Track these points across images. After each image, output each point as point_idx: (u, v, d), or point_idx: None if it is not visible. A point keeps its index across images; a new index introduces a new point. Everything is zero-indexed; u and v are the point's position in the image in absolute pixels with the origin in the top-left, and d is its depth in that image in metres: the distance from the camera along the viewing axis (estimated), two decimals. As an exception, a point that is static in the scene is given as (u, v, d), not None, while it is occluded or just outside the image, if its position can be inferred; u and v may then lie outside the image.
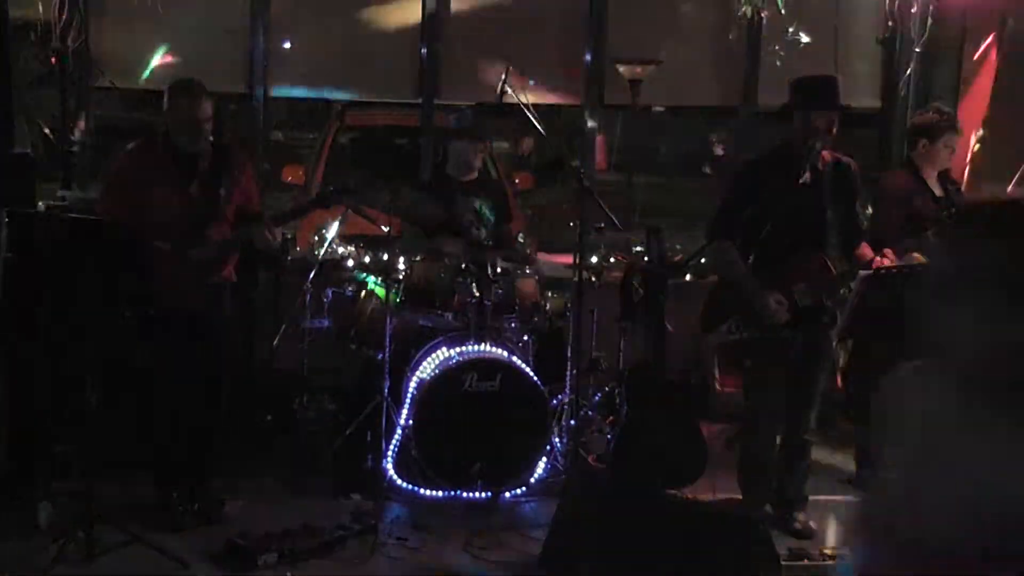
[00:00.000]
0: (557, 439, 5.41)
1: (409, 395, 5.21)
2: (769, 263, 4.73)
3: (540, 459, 5.24)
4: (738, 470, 5.10)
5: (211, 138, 4.80)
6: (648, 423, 5.26)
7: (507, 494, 5.17)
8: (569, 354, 5.50)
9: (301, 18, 6.75)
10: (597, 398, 5.92)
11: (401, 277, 5.40)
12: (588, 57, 6.90)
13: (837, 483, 5.58)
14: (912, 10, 6.63)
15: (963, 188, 6.08)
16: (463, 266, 5.34)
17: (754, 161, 4.98)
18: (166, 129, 4.74)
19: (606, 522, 4.24)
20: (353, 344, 5.55)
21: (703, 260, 5.40)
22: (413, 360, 5.40)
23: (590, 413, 5.83)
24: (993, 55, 6.55)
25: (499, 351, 5.26)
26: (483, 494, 5.11)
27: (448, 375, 5.13)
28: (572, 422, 5.47)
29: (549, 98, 6.99)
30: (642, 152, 7.13)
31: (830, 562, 4.40)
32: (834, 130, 4.66)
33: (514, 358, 5.26)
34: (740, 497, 5.08)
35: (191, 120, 4.65)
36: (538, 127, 5.36)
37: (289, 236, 5.91)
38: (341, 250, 5.55)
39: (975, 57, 6.64)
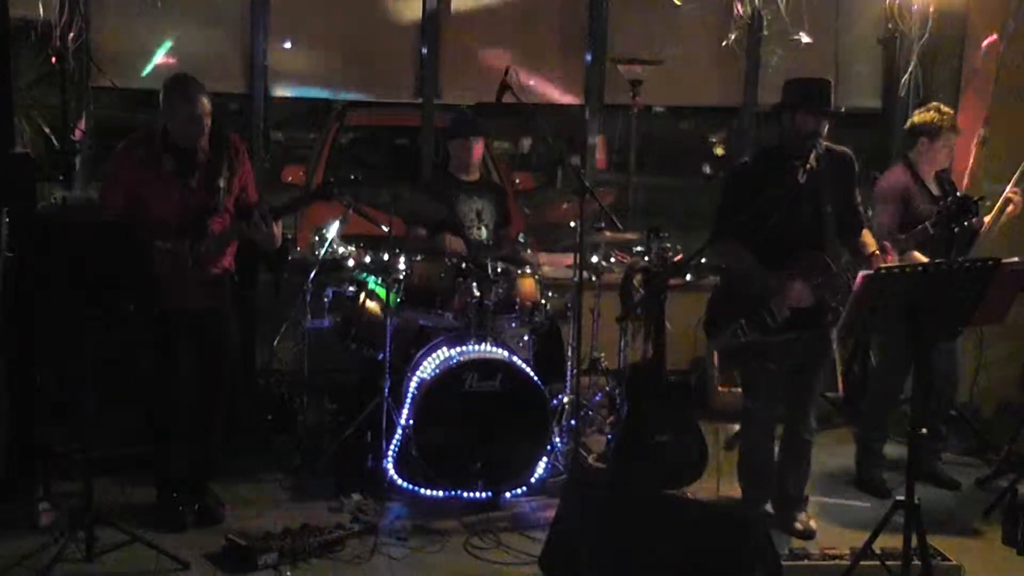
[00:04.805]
0: (557, 439, 5.41)
1: (409, 395, 5.21)
2: (769, 263, 4.72)
3: (540, 459, 5.24)
4: (738, 470, 5.11)
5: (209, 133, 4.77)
6: (648, 423, 5.26)
7: (507, 494, 5.17)
8: (569, 354, 5.50)
9: (301, 18, 6.75)
10: (597, 398, 5.93)
11: (401, 277, 5.41)
12: (588, 57, 6.91)
13: (837, 483, 5.59)
14: (912, 10, 6.63)
15: (962, 188, 6.09)
16: (463, 266, 5.35)
17: (747, 163, 4.96)
18: (163, 125, 4.72)
19: (606, 522, 4.24)
20: (353, 344, 5.55)
21: (703, 260, 5.39)
22: (413, 360, 5.40)
23: (590, 413, 5.83)
24: (993, 55, 6.55)
25: (499, 351, 5.26)
26: (483, 494, 5.11)
27: (448, 375, 5.13)
28: (572, 422, 5.47)
29: (549, 98, 6.99)
30: (642, 152, 7.11)
31: (831, 562, 4.40)
32: (824, 132, 4.65)
33: (514, 358, 5.26)
34: (740, 497, 5.08)
35: (190, 117, 4.62)
36: (538, 127, 5.35)
37: (289, 236, 5.91)
38: (341, 250, 5.54)
39: (975, 57, 6.64)
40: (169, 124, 4.68)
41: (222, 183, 4.73)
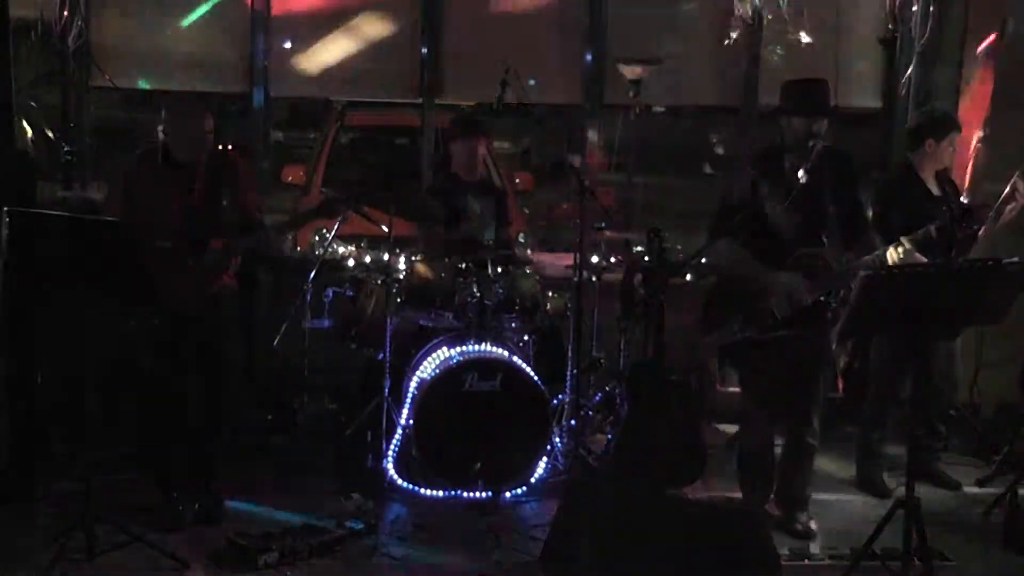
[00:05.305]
0: (557, 439, 5.41)
1: (409, 395, 5.21)
2: (769, 263, 4.72)
3: (540, 459, 5.24)
4: (738, 470, 5.11)
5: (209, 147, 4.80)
6: (648, 423, 5.26)
7: (507, 494, 5.17)
8: (569, 354, 5.50)
9: (301, 18, 6.75)
10: (597, 398, 5.92)
11: (401, 277, 5.41)
12: (588, 57, 6.91)
13: (837, 483, 5.59)
14: (912, 10, 6.63)
15: (964, 188, 6.10)
16: (463, 266, 5.35)
17: (751, 161, 4.99)
18: (165, 141, 4.73)
19: (606, 522, 4.24)
20: (353, 344, 5.55)
21: (703, 260, 5.39)
22: (413, 360, 5.40)
23: (590, 413, 5.83)
24: (993, 55, 6.55)
25: (499, 351, 5.26)
26: (483, 494, 5.11)
27: (448, 375, 5.13)
28: (572, 422, 5.47)
29: (549, 98, 6.99)
30: (642, 152, 7.10)
31: (831, 562, 4.40)
32: (822, 132, 4.65)
33: (514, 358, 5.26)
34: (740, 497, 5.08)
35: (194, 137, 4.67)
36: (538, 127, 5.35)
37: (289, 236, 5.91)
38: (341, 250, 5.55)
39: (975, 57, 6.64)
40: (172, 142, 4.70)
41: (225, 202, 4.75)
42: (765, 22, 6.67)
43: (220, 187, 4.77)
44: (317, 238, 5.55)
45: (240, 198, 4.86)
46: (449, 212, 5.60)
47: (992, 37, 6.54)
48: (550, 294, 5.61)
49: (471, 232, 5.65)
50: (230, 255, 4.81)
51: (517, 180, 9.86)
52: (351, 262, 5.63)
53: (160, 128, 4.73)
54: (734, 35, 6.65)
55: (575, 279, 5.37)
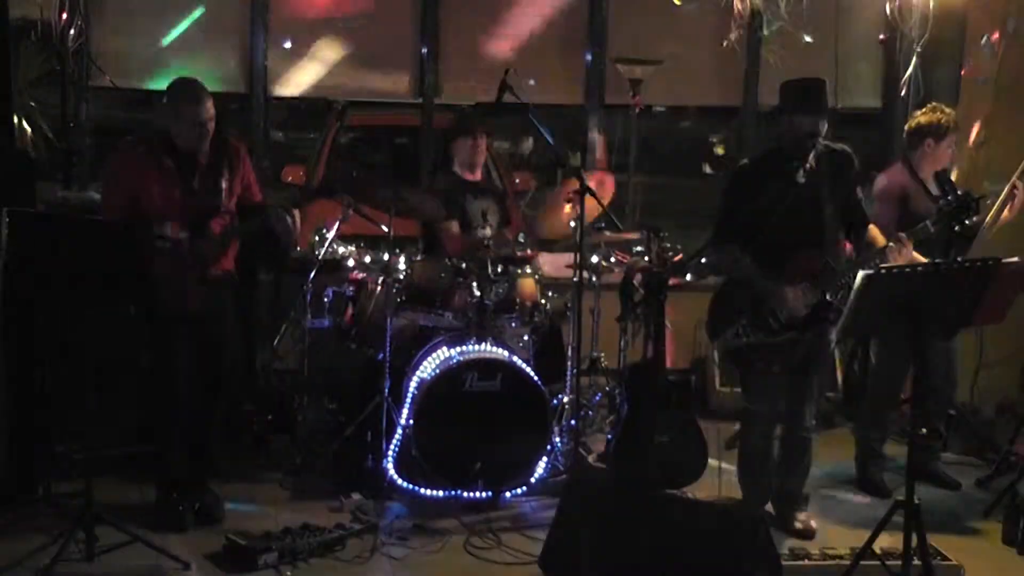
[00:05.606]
0: (557, 439, 5.41)
1: (409, 395, 5.21)
2: (771, 264, 4.72)
3: (540, 459, 5.24)
4: (738, 470, 5.11)
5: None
6: (648, 423, 5.26)
7: (507, 494, 5.17)
8: (569, 354, 5.50)
9: (301, 18, 6.75)
10: (597, 398, 5.92)
11: (401, 277, 5.41)
12: (588, 57, 6.91)
13: (837, 483, 5.59)
14: (912, 10, 6.64)
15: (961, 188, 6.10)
16: (463, 266, 5.35)
17: (747, 165, 4.98)
18: (164, 127, 4.70)
19: (606, 522, 4.24)
20: (353, 344, 5.55)
21: (703, 260, 5.39)
22: (413, 360, 5.40)
23: (590, 413, 5.83)
24: (993, 54, 6.55)
25: (499, 351, 5.27)
26: (483, 494, 5.12)
27: (448, 375, 5.13)
28: (572, 422, 5.47)
29: (549, 98, 6.99)
30: (642, 152, 7.11)
31: (831, 562, 4.40)
32: (822, 132, 4.65)
33: (514, 358, 5.26)
34: (740, 497, 5.08)
35: (195, 123, 4.61)
36: (538, 127, 5.35)
37: (288, 218, 5.90)
38: (341, 250, 5.54)
39: (975, 56, 6.64)
40: (172, 128, 4.66)
41: (224, 184, 4.73)
42: (765, 22, 6.68)
43: (222, 171, 4.75)
44: (317, 238, 5.54)
45: (242, 180, 4.85)
46: (450, 212, 5.60)
47: (994, 35, 6.55)
48: (550, 294, 5.61)
49: (476, 231, 5.66)
50: (231, 236, 4.78)
51: (517, 180, 9.86)
52: (351, 262, 5.62)
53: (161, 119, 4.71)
54: (734, 35, 6.65)
55: (575, 279, 5.37)
